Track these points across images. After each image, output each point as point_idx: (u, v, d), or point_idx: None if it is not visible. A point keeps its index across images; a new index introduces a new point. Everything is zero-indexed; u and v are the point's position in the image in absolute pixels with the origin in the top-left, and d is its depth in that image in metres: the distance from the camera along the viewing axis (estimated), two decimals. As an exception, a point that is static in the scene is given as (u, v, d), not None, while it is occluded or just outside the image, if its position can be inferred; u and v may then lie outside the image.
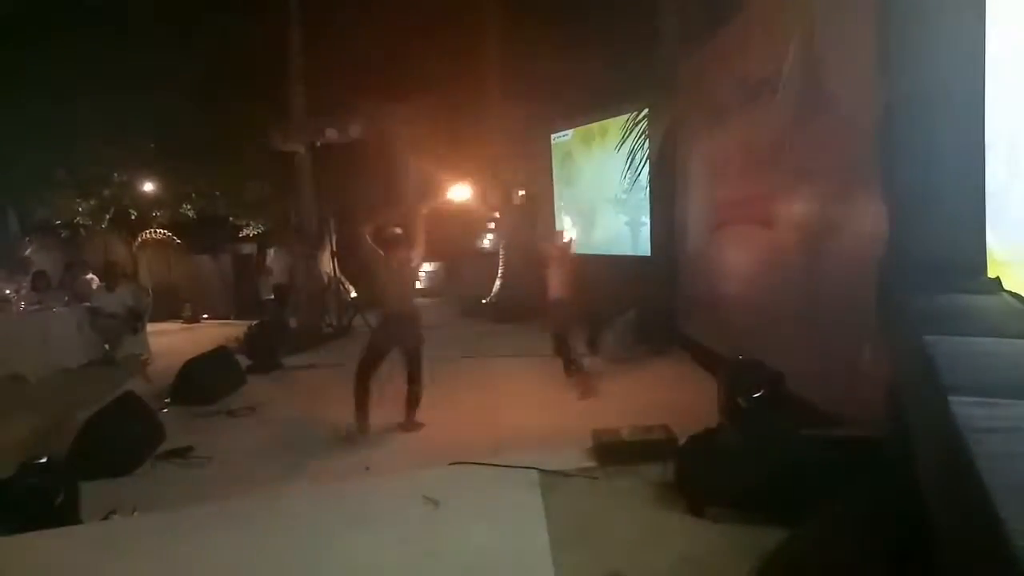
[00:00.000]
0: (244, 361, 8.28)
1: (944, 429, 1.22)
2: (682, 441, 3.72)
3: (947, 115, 2.77)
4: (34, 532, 3.50)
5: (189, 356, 7.44)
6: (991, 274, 2.65)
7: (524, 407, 6.26)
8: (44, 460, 4.07)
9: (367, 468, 4.75)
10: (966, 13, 2.71)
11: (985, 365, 1.59)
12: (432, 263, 14.97)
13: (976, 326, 2.05)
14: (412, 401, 5.81)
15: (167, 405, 6.85)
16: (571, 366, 6.95)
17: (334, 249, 11.48)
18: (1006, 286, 2.55)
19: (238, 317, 12.76)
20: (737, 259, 6.07)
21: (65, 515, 3.84)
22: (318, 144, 11.84)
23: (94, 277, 10.35)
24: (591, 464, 3.91)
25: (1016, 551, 0.75)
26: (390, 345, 5.86)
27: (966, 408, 1.24)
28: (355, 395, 5.71)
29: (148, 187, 14.10)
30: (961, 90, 2.72)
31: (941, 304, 2.36)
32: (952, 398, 1.30)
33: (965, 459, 1.03)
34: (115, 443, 5.17)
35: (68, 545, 3.42)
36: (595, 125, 10.35)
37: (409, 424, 5.79)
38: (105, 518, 3.99)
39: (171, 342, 10.31)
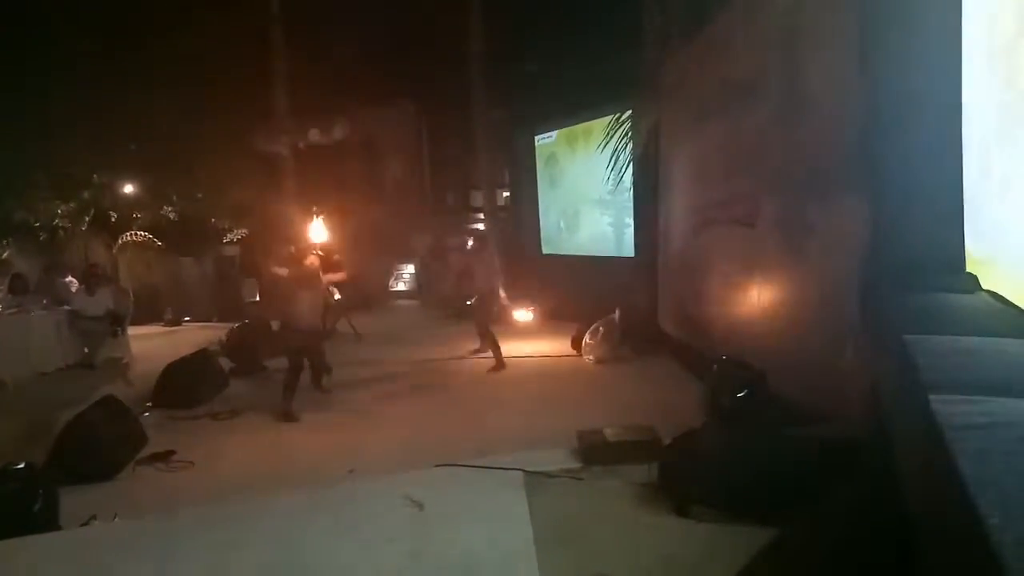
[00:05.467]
0: (226, 364, 8.20)
1: (924, 426, 1.23)
2: (666, 441, 3.74)
3: (926, 116, 2.81)
4: (12, 539, 3.45)
5: (170, 359, 7.36)
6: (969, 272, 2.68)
7: (505, 410, 6.25)
8: (22, 465, 4.01)
9: (351, 471, 4.72)
10: (944, 17, 2.74)
11: (964, 363, 1.61)
12: (411, 263, 14.76)
13: (955, 324, 2.08)
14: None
15: (148, 409, 6.76)
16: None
17: (318, 252, 11.39)
18: (984, 284, 2.59)
19: (220, 320, 12.64)
20: (720, 259, 6.10)
21: (44, 521, 3.77)
22: (301, 146, 11.79)
23: (73, 280, 10.20)
24: (575, 464, 3.92)
25: (996, 547, 0.76)
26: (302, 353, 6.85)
27: (946, 405, 1.26)
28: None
29: (128, 189, 13.93)
30: (939, 92, 2.75)
31: (921, 302, 2.39)
32: (932, 396, 1.31)
33: (945, 456, 1.04)
34: (95, 447, 5.09)
35: (47, 552, 3.37)
36: (579, 126, 10.37)
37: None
38: (85, 524, 3.93)
39: (152, 345, 10.18)
